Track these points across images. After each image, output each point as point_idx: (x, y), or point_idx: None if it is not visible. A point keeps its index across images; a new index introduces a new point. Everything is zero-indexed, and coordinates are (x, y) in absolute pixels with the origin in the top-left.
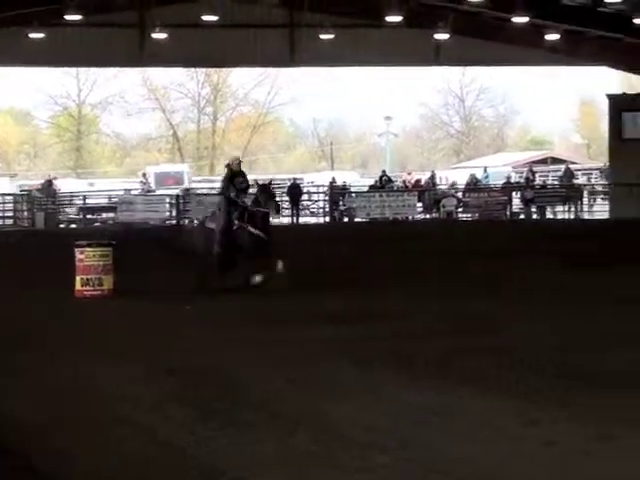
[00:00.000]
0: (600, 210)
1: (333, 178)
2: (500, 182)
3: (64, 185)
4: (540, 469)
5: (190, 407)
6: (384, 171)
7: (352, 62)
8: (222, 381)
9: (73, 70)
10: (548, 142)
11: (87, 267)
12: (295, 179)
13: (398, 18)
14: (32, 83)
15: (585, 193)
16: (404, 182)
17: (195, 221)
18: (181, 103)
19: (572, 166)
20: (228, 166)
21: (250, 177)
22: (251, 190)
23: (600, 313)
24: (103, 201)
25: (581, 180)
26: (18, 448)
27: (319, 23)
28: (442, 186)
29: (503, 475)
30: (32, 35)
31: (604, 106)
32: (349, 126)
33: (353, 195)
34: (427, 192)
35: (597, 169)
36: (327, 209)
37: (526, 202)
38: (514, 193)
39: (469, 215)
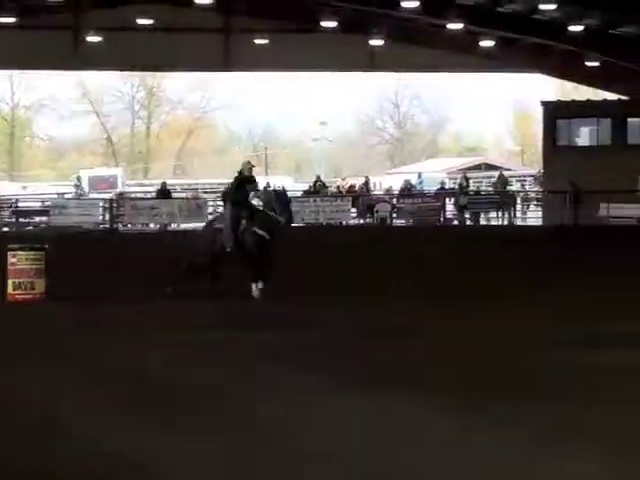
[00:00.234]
0: (533, 217)
1: (267, 183)
2: (434, 188)
3: None
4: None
5: (117, 410)
6: (318, 176)
7: (287, 67)
8: (149, 383)
9: (6, 72)
10: (482, 148)
11: (19, 271)
12: (230, 184)
13: (333, 23)
14: None
15: (519, 200)
16: (338, 187)
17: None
18: (115, 107)
19: (506, 173)
20: (239, 171)
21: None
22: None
23: (542, 315)
24: (36, 205)
25: (515, 187)
26: None
27: (254, 28)
28: (376, 191)
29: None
30: None
31: (538, 113)
32: (284, 131)
33: None
34: (361, 197)
35: (531, 176)
36: None
37: (460, 208)
38: (448, 199)
39: (403, 221)
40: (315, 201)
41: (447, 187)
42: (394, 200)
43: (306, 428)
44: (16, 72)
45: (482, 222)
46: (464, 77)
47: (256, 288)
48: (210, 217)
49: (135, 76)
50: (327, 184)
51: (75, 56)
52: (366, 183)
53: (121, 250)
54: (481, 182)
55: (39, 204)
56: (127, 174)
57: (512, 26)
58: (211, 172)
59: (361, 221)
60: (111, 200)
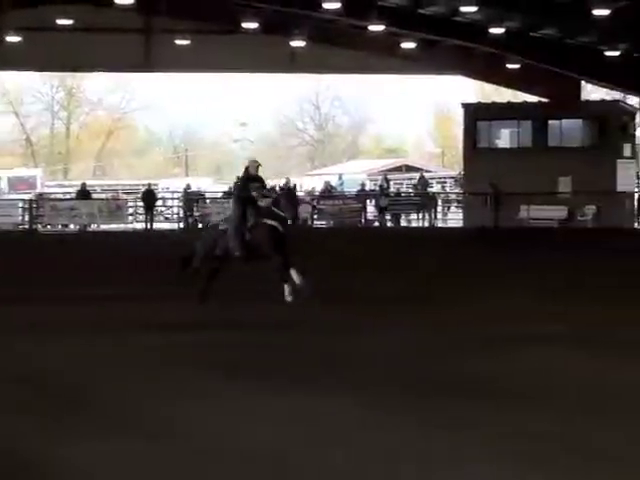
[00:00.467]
0: (454, 218)
1: (188, 184)
2: (355, 189)
3: None
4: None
5: (34, 414)
6: (239, 177)
7: (208, 68)
8: (53, 383)
9: None
10: (403, 150)
11: None
12: (150, 185)
13: (254, 25)
14: None
15: (439, 201)
16: None
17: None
18: (35, 107)
19: (426, 174)
20: (246, 169)
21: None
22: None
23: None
24: None
25: (435, 188)
26: None
27: (175, 29)
28: (297, 193)
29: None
30: None
31: (459, 115)
32: (204, 132)
33: (207, 201)
34: (282, 199)
35: (451, 177)
36: (181, 215)
37: (381, 210)
38: (369, 201)
39: (324, 222)
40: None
41: (368, 189)
42: (315, 201)
43: (224, 428)
44: None
45: (403, 224)
46: (385, 79)
47: (289, 291)
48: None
49: (55, 76)
50: None
51: None
52: (287, 184)
53: (40, 251)
54: (402, 184)
55: None
56: (47, 175)
57: (433, 28)
58: (131, 173)
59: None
60: (30, 201)
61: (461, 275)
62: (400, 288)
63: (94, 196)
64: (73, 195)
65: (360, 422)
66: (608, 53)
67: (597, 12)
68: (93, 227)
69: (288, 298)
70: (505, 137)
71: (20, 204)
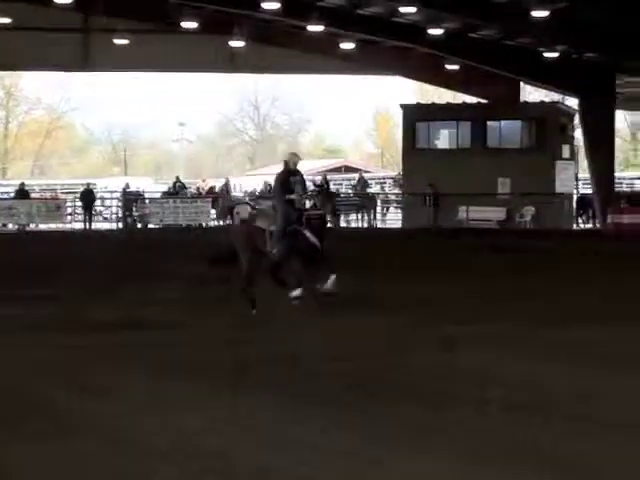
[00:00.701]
0: (393, 219)
1: (127, 184)
2: None
3: None
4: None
5: None
6: (178, 177)
7: (147, 67)
8: None
9: None
10: (342, 150)
11: None
12: (89, 184)
13: (193, 24)
14: None
15: (379, 202)
16: (198, 189)
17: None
18: None
19: (366, 175)
20: (285, 163)
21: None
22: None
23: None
24: None
25: (375, 189)
26: None
27: (114, 28)
28: (236, 193)
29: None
30: None
31: (398, 116)
32: (144, 132)
33: (146, 201)
34: (221, 199)
35: (391, 178)
36: (120, 215)
37: None
38: (308, 201)
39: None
40: (175, 202)
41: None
42: (254, 202)
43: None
44: None
45: (342, 224)
46: (325, 79)
47: (297, 293)
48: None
49: None
50: (187, 185)
51: None
52: (226, 184)
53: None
54: (341, 184)
55: None
56: None
57: (372, 29)
58: (70, 172)
59: (221, 223)
60: None
61: (402, 275)
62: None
63: (33, 195)
64: (11, 195)
65: (276, 418)
66: (547, 54)
67: (536, 13)
68: (32, 227)
69: (293, 300)
70: (444, 138)
71: None
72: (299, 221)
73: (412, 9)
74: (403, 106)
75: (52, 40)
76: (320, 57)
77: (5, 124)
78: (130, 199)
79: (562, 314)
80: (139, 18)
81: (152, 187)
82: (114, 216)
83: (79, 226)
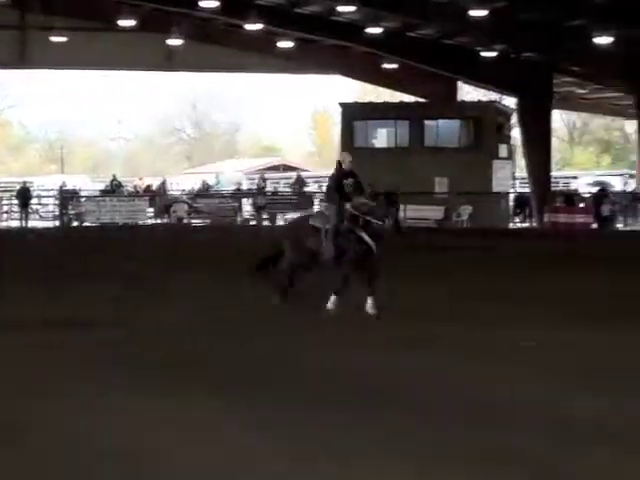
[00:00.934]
0: None
1: (63, 182)
2: (231, 188)
3: None
4: None
5: None
6: (114, 175)
7: (85, 65)
8: None
9: None
10: (281, 149)
11: None
12: (25, 183)
13: (131, 22)
14: None
15: (316, 200)
16: (135, 187)
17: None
18: None
19: (303, 174)
20: (338, 163)
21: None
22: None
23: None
24: None
25: (312, 187)
26: None
27: (51, 25)
28: (173, 191)
29: None
30: None
31: (337, 114)
32: (81, 130)
33: (83, 199)
34: (158, 197)
35: (328, 177)
36: (57, 213)
37: (258, 209)
38: (246, 199)
39: (200, 221)
40: (112, 200)
41: (245, 188)
42: (191, 200)
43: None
44: None
45: (280, 222)
46: (263, 78)
47: (332, 303)
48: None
49: None
50: (123, 184)
51: None
52: (163, 183)
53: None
54: (279, 183)
55: None
56: None
57: (311, 27)
58: (6, 170)
59: (158, 221)
60: None
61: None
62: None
63: None
64: None
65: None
66: (485, 54)
67: (474, 13)
68: None
69: (330, 307)
70: (382, 137)
71: None
72: (354, 222)
73: (351, 8)
74: (342, 105)
75: None
76: (259, 55)
77: None
78: (66, 197)
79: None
80: (77, 16)
81: (89, 185)
82: (50, 214)
83: (15, 224)
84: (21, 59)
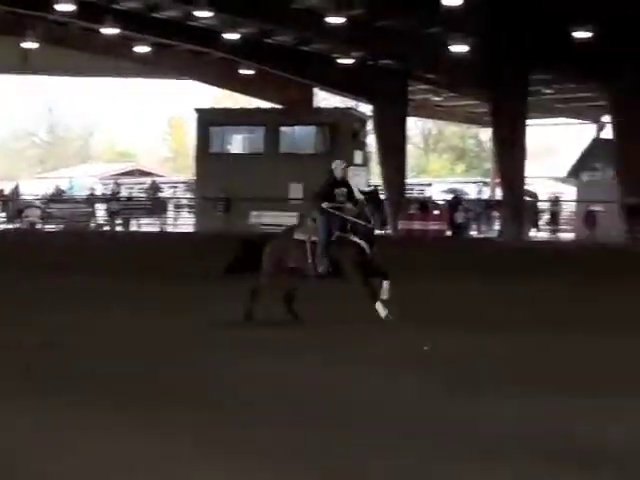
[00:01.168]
0: (185, 223)
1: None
2: (85, 193)
3: None
4: None
5: None
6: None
7: None
8: None
9: None
10: (135, 154)
11: None
12: None
13: None
14: None
15: (171, 206)
16: None
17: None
18: None
19: (158, 179)
20: (330, 172)
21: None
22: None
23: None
24: None
25: (167, 193)
26: None
27: None
28: (26, 196)
29: None
30: None
31: (193, 120)
32: None
33: None
34: (11, 202)
35: (183, 183)
36: None
37: (111, 214)
38: (99, 204)
39: (53, 226)
40: None
41: (99, 193)
42: (44, 205)
43: None
44: None
45: (133, 228)
46: (119, 82)
47: (381, 307)
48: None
49: None
50: None
51: None
52: (16, 187)
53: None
54: (133, 188)
55: None
56: None
57: (168, 32)
58: None
59: (10, 226)
60: None
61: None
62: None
63: None
64: None
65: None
66: (341, 60)
67: (331, 20)
68: None
69: (382, 313)
70: (237, 143)
71: None
72: (343, 230)
73: (208, 13)
74: (197, 110)
75: None
76: (115, 60)
77: None
78: None
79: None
80: None
81: None
82: None
83: None
84: None
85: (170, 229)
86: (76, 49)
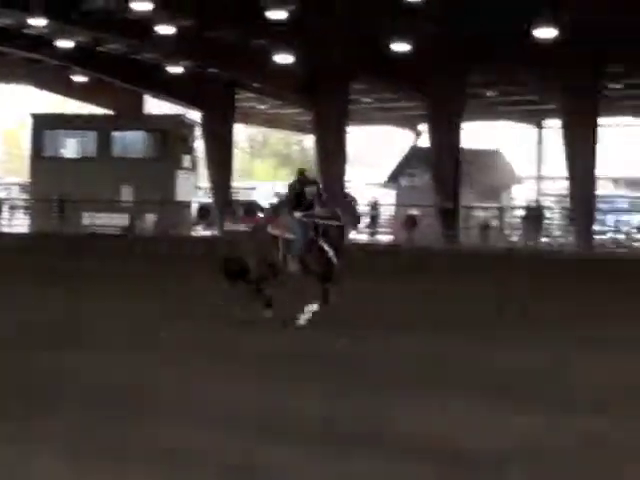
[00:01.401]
0: (20, 224)
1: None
2: None
3: None
4: None
5: None
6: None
7: None
8: None
9: None
10: None
11: None
12: None
13: None
14: None
15: (5, 207)
16: None
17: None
18: None
19: None
20: (300, 172)
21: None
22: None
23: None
24: None
25: (1, 194)
26: None
27: None
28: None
29: None
30: None
31: (28, 124)
32: None
33: None
34: None
35: (18, 184)
36: None
37: None
38: None
39: None
40: None
41: None
42: None
43: None
44: None
45: None
46: None
47: (307, 312)
48: None
49: None
50: None
51: None
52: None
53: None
54: None
55: None
56: None
57: (1, 39)
58: None
59: None
60: None
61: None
62: None
63: None
64: None
65: None
66: (171, 69)
67: (162, 30)
68: None
69: (300, 322)
70: (71, 147)
71: None
72: (315, 231)
73: (42, 21)
74: (33, 115)
75: None
76: None
77: None
78: None
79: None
80: None
81: None
82: None
83: None
84: None
85: (5, 230)
86: None
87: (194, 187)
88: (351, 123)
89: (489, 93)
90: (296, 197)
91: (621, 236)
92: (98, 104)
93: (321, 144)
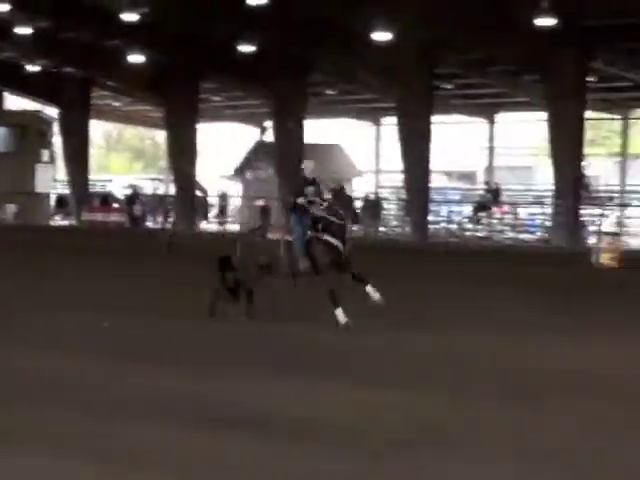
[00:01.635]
0: None
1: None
2: None
3: None
4: None
5: None
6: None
7: None
8: None
9: None
10: None
11: None
12: None
13: None
14: None
15: None
16: None
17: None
18: None
19: None
20: (301, 171)
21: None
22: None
23: None
24: None
25: None
26: None
27: None
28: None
29: None
30: None
31: None
32: None
33: None
34: None
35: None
36: None
37: None
38: None
39: None
40: None
41: None
42: None
43: None
44: None
45: None
46: None
47: (341, 313)
48: None
49: None
50: None
51: None
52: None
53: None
54: None
55: None
56: None
57: None
58: None
59: None
60: None
61: None
62: None
63: None
64: None
65: None
66: (29, 67)
67: (19, 30)
68: None
69: (342, 322)
70: None
71: None
72: (315, 228)
73: None
74: None
75: None
76: None
77: None
78: None
79: None
80: None
81: None
82: None
83: None
84: None
85: None
86: None
87: (53, 179)
88: (201, 120)
89: (329, 92)
90: (300, 195)
91: (453, 226)
92: None
93: (172, 139)
